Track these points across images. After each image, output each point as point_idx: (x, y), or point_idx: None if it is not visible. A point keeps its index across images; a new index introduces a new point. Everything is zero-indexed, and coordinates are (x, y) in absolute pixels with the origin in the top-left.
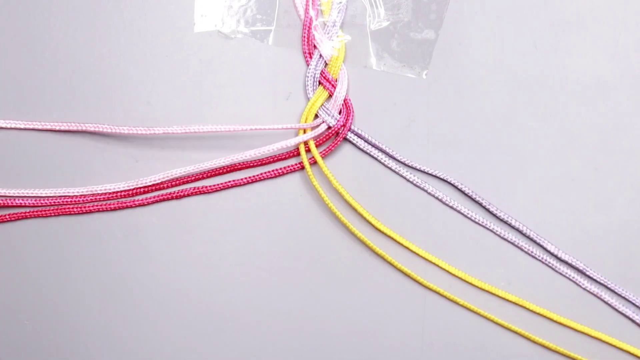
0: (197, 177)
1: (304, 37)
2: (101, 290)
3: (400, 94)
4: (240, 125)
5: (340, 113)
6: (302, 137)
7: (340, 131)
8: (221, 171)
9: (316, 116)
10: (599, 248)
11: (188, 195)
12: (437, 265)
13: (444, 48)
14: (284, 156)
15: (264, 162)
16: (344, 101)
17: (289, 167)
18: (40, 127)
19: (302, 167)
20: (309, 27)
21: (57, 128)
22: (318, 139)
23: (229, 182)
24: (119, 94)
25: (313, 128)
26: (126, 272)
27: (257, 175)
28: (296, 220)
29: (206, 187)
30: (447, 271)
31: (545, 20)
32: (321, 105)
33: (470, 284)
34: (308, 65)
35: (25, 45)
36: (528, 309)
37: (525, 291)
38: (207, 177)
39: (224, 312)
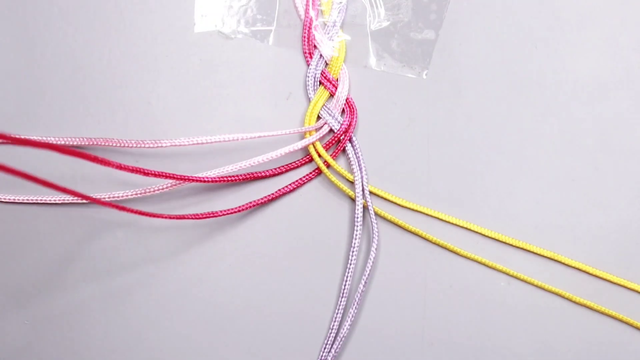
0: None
1: (304, 37)
2: (101, 290)
3: (400, 94)
4: (248, 133)
5: (343, 112)
6: (309, 140)
7: (341, 138)
8: (231, 179)
9: (319, 117)
10: (599, 248)
11: (208, 217)
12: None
13: (444, 48)
14: (294, 165)
15: (276, 172)
16: (347, 101)
17: (304, 177)
18: (53, 142)
19: (315, 176)
20: (309, 27)
21: (70, 142)
22: (325, 143)
23: (250, 203)
24: (119, 94)
25: (317, 130)
26: (126, 272)
27: (276, 192)
28: (297, 221)
29: (224, 210)
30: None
31: (545, 20)
32: (323, 106)
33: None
34: (308, 65)
35: (26, 45)
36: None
37: (524, 291)
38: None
39: (225, 312)
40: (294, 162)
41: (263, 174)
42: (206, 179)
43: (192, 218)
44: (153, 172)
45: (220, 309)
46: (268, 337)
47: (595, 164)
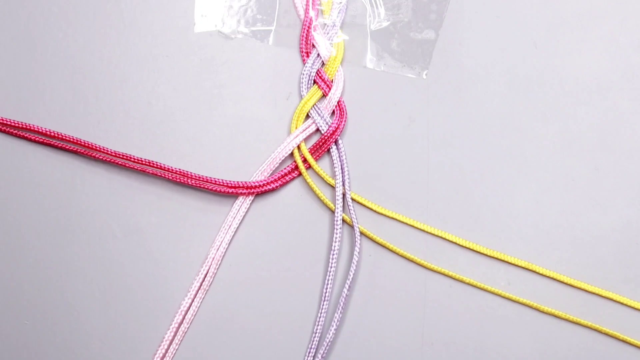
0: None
1: (303, 36)
2: (101, 290)
3: (400, 94)
4: (261, 169)
5: (333, 114)
6: (295, 142)
7: (328, 140)
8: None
9: (308, 117)
10: (599, 248)
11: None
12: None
13: (444, 48)
14: (285, 171)
15: (269, 179)
16: (338, 103)
17: (288, 177)
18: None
19: (300, 174)
20: (308, 27)
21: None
22: (311, 146)
23: (230, 188)
24: (119, 94)
25: (304, 130)
26: (126, 272)
27: (258, 185)
28: (294, 220)
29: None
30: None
31: (545, 20)
32: (313, 105)
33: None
34: (305, 64)
35: (25, 45)
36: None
37: (525, 291)
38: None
39: (224, 312)
40: (283, 172)
41: (250, 186)
42: (202, 180)
43: (160, 175)
44: (174, 169)
45: (220, 309)
46: (268, 336)
47: (595, 164)
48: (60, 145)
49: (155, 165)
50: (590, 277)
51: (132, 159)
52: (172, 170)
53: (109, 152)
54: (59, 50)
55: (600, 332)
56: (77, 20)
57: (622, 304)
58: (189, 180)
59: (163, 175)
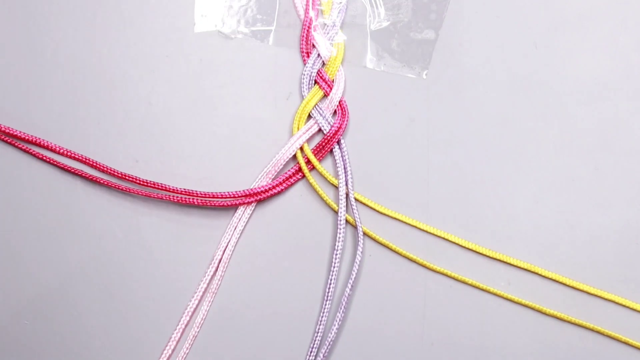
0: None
1: (303, 37)
2: (101, 290)
3: (400, 94)
4: (267, 176)
5: (335, 114)
6: (298, 143)
7: (330, 140)
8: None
9: (310, 117)
10: (599, 248)
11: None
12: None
13: (444, 48)
14: (289, 174)
15: (274, 183)
16: (340, 103)
17: (292, 180)
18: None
19: (303, 176)
20: (308, 27)
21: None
22: (314, 147)
23: (234, 199)
24: (119, 94)
25: (306, 130)
26: (126, 272)
27: (266, 194)
28: (297, 220)
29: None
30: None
31: (545, 20)
32: (315, 105)
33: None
34: (305, 64)
35: (26, 45)
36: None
37: (524, 292)
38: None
39: (226, 312)
40: (286, 176)
41: (254, 192)
42: (208, 197)
43: (167, 199)
44: (179, 190)
45: (220, 309)
46: (267, 336)
47: (595, 164)
48: (65, 166)
49: (160, 187)
50: (590, 277)
51: (137, 181)
52: (177, 191)
53: (113, 173)
54: (59, 50)
55: (600, 333)
56: (77, 20)
57: (622, 305)
58: (194, 200)
59: (168, 198)
